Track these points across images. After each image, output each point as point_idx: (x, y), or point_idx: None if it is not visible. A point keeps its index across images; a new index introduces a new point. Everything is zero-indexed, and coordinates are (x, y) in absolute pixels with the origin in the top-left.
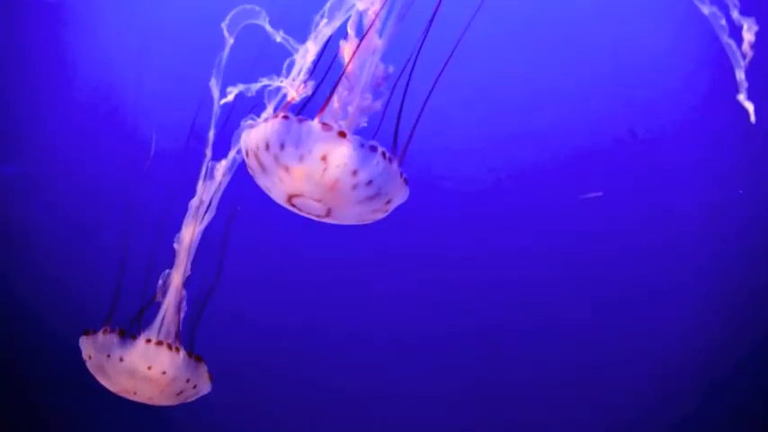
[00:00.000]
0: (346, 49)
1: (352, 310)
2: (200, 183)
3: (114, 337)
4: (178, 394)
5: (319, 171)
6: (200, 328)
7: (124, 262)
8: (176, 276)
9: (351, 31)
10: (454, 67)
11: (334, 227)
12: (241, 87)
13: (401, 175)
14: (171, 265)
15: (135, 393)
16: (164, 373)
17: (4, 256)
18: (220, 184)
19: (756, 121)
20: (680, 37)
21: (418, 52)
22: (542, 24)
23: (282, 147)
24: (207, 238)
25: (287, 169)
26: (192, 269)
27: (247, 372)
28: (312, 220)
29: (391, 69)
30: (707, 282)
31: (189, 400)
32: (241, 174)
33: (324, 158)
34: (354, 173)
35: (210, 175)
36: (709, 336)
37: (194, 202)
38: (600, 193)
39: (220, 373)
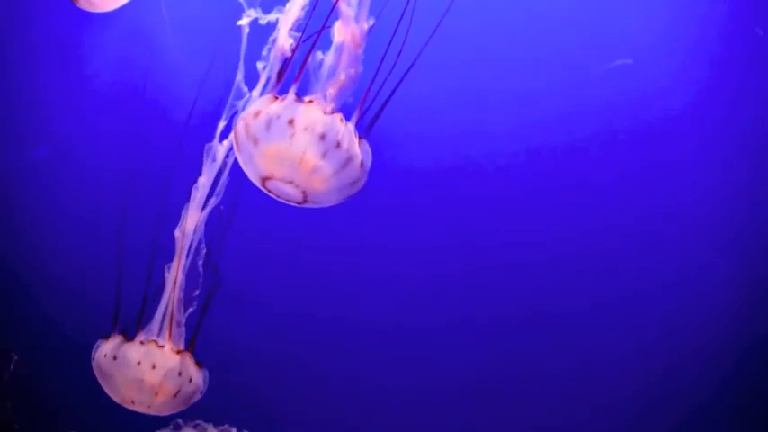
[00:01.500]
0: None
1: (358, 299)
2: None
3: (112, 340)
4: (175, 395)
5: (286, 139)
6: (201, 320)
7: (123, 253)
8: (176, 267)
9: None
10: (439, 54)
11: (337, 214)
12: (259, 14)
13: (357, 134)
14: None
15: (133, 402)
16: (153, 367)
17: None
18: (224, 165)
19: (757, 112)
20: (676, 29)
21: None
22: (531, 14)
23: (256, 115)
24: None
25: (255, 142)
26: (193, 259)
27: (252, 363)
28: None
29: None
30: (711, 278)
31: (191, 401)
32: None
33: (291, 122)
34: (322, 137)
35: (213, 156)
36: (714, 333)
37: (196, 187)
38: (630, 60)
39: (220, 365)
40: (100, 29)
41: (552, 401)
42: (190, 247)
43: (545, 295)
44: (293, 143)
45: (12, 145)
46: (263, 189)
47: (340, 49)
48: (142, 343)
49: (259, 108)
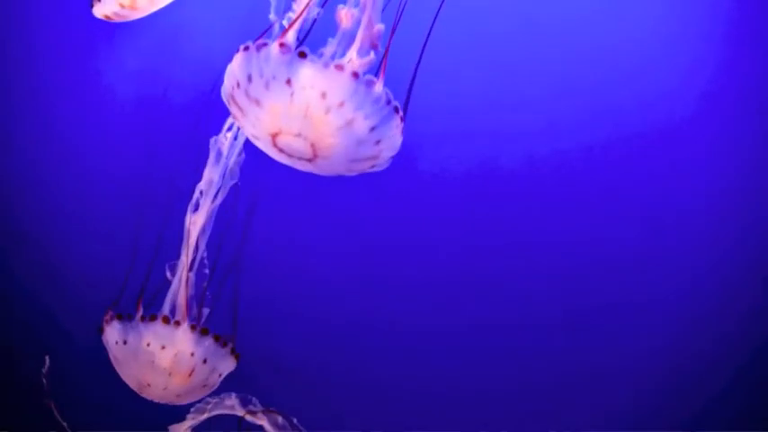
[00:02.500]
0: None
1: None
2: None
3: (118, 323)
4: (190, 374)
5: (287, 97)
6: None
7: (136, 246)
8: (185, 258)
9: None
10: (446, 57)
11: (350, 214)
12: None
13: (388, 101)
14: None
15: (149, 385)
16: (163, 347)
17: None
18: (232, 156)
19: (757, 120)
20: (678, 35)
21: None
22: (537, 20)
23: (249, 79)
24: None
25: (258, 103)
26: (204, 249)
27: (260, 359)
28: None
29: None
30: (712, 279)
31: (208, 385)
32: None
33: (288, 82)
34: (323, 95)
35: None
36: (726, 333)
37: (204, 178)
38: None
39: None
40: (113, 34)
41: (557, 402)
42: (199, 238)
43: (552, 296)
44: (294, 101)
45: (15, 146)
46: (274, 150)
47: (345, 37)
48: (143, 319)
49: (249, 70)
